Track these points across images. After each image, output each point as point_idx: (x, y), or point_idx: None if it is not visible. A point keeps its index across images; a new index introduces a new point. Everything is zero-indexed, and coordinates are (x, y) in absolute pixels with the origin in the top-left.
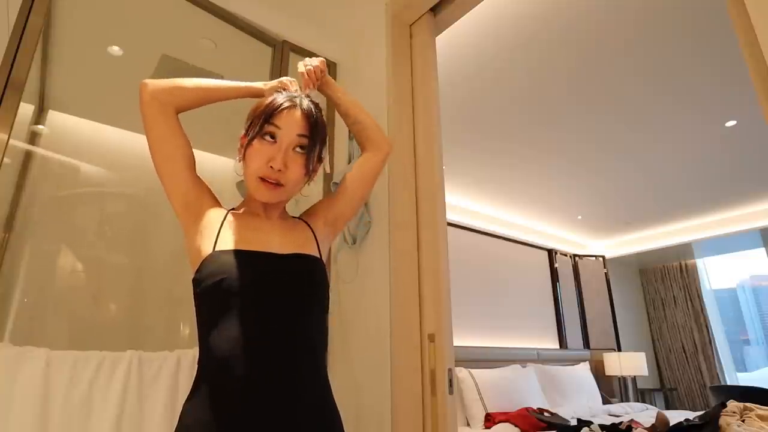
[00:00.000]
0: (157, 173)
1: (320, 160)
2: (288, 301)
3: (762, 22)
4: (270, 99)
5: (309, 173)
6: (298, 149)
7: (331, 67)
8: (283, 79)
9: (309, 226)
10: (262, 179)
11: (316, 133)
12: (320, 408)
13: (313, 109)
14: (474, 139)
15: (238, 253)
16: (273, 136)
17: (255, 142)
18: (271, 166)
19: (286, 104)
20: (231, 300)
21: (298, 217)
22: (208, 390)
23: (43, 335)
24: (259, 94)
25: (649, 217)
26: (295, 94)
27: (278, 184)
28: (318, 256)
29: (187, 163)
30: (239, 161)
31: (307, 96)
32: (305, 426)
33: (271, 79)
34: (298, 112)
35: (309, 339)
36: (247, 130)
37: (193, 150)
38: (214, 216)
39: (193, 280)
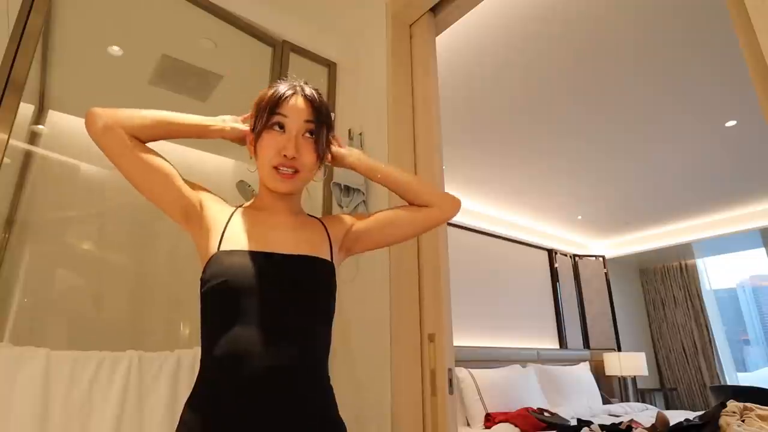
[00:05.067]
0: (147, 199)
1: (329, 143)
2: (290, 305)
3: (762, 23)
4: (272, 90)
5: (321, 157)
6: (306, 135)
7: (331, 66)
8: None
9: (326, 229)
10: (277, 170)
11: (321, 116)
12: (321, 415)
13: (315, 94)
14: (474, 139)
15: (241, 254)
16: (281, 126)
17: (264, 134)
18: (285, 155)
19: (289, 92)
20: (233, 301)
21: (316, 218)
22: (209, 390)
23: (43, 335)
24: (219, 134)
25: (649, 217)
26: (295, 82)
27: (294, 172)
28: (329, 259)
29: (175, 178)
30: (251, 157)
31: (306, 82)
32: (305, 428)
33: (271, 78)
34: (301, 99)
35: (310, 343)
36: (253, 125)
37: (193, 150)
38: (218, 215)
39: (200, 280)
